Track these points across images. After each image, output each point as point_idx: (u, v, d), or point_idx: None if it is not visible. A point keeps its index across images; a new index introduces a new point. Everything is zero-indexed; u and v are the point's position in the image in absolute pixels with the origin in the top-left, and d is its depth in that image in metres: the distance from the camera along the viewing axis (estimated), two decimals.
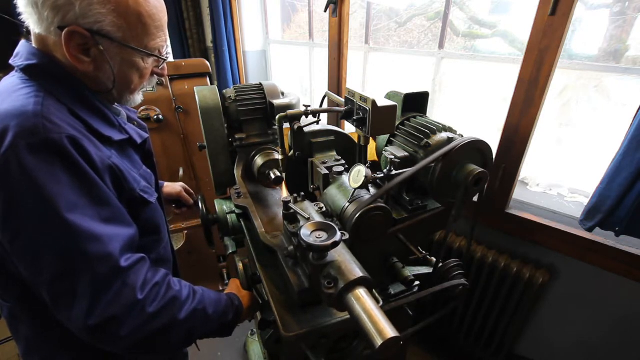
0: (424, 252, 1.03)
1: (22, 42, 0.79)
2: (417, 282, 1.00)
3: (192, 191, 1.47)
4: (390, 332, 0.56)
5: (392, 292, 1.04)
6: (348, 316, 0.66)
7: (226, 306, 0.94)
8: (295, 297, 0.83)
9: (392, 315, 0.64)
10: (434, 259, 1.03)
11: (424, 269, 1.06)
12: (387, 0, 2.54)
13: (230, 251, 1.36)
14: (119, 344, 0.73)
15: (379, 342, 0.56)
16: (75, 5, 0.69)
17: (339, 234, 0.69)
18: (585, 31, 1.78)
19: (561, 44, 1.34)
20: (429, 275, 1.04)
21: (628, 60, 1.68)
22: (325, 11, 2.20)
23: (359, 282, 0.66)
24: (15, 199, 0.65)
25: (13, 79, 0.77)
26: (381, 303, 0.73)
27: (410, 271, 0.99)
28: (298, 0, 3.20)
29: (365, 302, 0.62)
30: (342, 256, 0.71)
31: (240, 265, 1.10)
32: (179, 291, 0.82)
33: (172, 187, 1.41)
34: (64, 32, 0.70)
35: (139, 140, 0.92)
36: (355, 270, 0.67)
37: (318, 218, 0.84)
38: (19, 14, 0.74)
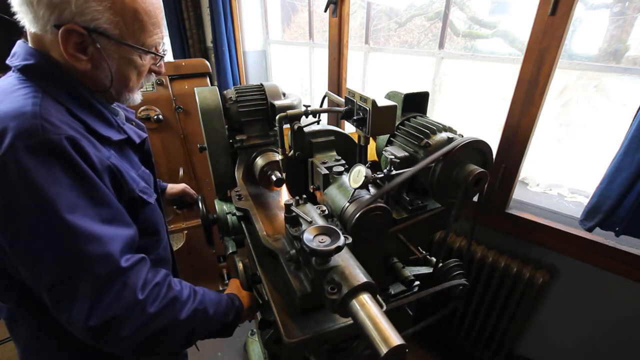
0: (424, 252, 1.03)
1: (19, 42, 0.79)
2: (417, 282, 1.00)
3: (193, 191, 1.49)
4: (395, 340, 0.55)
5: (392, 292, 1.04)
6: (351, 322, 0.65)
7: (227, 306, 0.93)
8: (297, 302, 0.82)
9: (392, 315, 0.64)
10: (434, 259, 1.03)
11: (424, 269, 1.06)
12: (387, 0, 2.54)
13: (230, 251, 1.36)
14: (120, 344, 0.73)
15: (384, 350, 0.54)
16: (72, 3, 0.68)
17: (342, 238, 0.68)
18: (585, 31, 1.78)
19: (561, 44, 1.34)
20: (429, 275, 1.04)
21: (628, 60, 1.68)
22: (325, 11, 2.20)
23: (363, 288, 0.65)
24: (14, 201, 0.65)
25: (10, 80, 0.76)
26: (384, 308, 0.73)
27: (410, 271, 0.99)
28: (298, 0, 3.20)
29: (369, 309, 0.61)
30: (346, 261, 0.70)
31: (240, 265, 1.10)
32: (179, 291, 0.81)
33: (175, 186, 1.44)
34: (60, 31, 0.70)
35: (137, 140, 0.92)
36: (359, 276, 0.66)
37: (321, 221, 0.84)
38: (14, 13, 0.73)
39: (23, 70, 0.75)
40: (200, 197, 1.40)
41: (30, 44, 0.77)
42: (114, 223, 0.74)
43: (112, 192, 0.76)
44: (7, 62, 0.78)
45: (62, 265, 0.67)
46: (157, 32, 0.82)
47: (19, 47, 0.78)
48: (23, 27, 0.75)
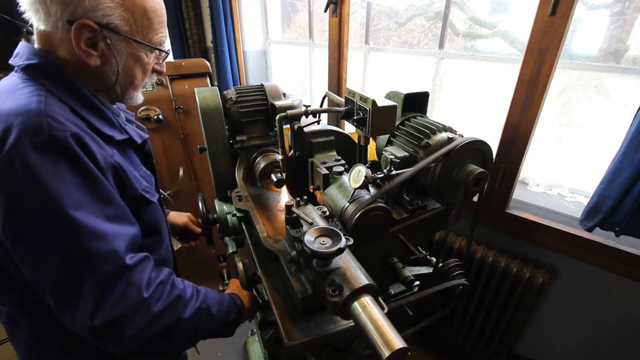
0: (424, 252, 1.03)
1: (22, 42, 0.79)
2: (417, 282, 1.00)
3: (198, 221, 1.41)
4: (398, 343, 0.54)
5: (392, 292, 1.04)
6: (353, 324, 0.64)
7: (229, 306, 0.94)
8: (298, 304, 0.82)
9: (392, 315, 0.64)
10: (434, 259, 1.03)
11: (424, 269, 1.06)
12: (387, 0, 2.54)
13: (230, 251, 1.36)
14: (124, 344, 0.72)
15: (386, 353, 0.54)
16: (85, 0, 0.70)
17: (343, 240, 0.67)
18: (585, 31, 1.78)
19: (561, 44, 1.34)
20: (429, 275, 1.04)
21: (628, 60, 1.68)
22: (325, 11, 2.20)
23: (364, 290, 0.64)
24: (19, 197, 0.65)
25: (13, 79, 0.76)
26: (386, 309, 0.73)
27: (410, 271, 0.99)
28: (298, 0, 3.20)
29: (371, 311, 0.61)
30: (347, 263, 0.70)
31: (240, 265, 1.10)
32: (183, 290, 0.82)
33: (178, 217, 1.39)
34: (74, 26, 0.71)
35: (139, 141, 0.92)
36: (361, 278, 0.66)
37: (321, 223, 0.83)
38: (21, 13, 0.74)
39: (26, 70, 0.76)
40: (200, 196, 1.40)
41: (36, 44, 0.78)
42: (119, 221, 0.74)
43: (116, 191, 0.76)
44: (10, 62, 0.79)
45: (66, 263, 0.67)
46: (162, 30, 0.85)
47: (22, 47, 0.79)
48: (27, 28, 0.76)
